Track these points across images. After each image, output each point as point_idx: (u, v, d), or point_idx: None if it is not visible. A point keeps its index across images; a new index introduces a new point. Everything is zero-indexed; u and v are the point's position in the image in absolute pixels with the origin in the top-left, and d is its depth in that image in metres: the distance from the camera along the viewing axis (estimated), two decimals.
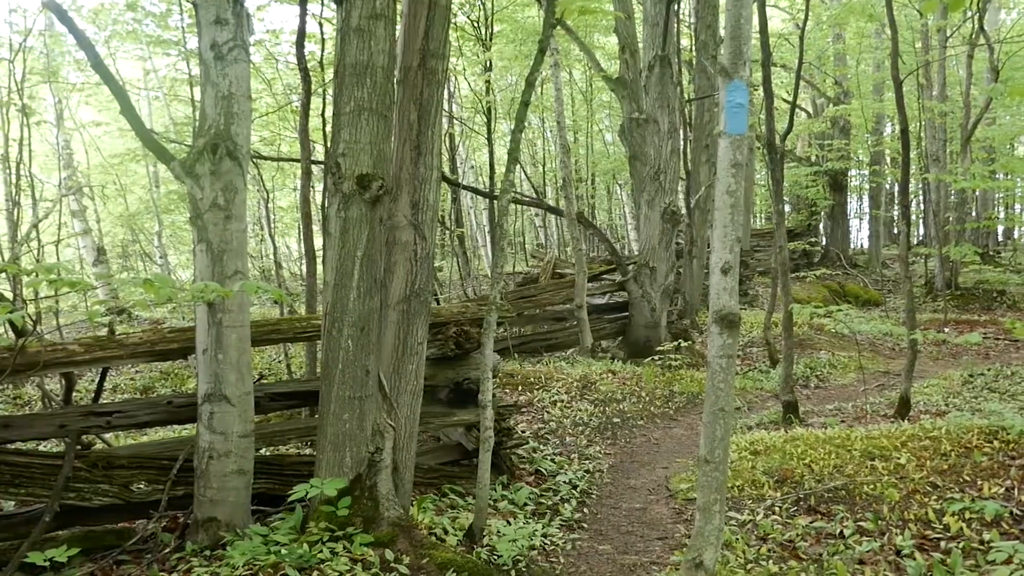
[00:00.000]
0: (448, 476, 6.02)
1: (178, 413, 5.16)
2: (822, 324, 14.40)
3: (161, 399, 5.27)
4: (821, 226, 31.57)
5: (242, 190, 4.70)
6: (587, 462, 6.97)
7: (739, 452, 6.73)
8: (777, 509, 5.56)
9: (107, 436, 6.65)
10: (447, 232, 20.14)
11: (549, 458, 6.91)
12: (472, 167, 23.73)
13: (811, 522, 5.35)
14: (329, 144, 4.65)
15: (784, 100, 27.51)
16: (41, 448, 6.71)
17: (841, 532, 5.08)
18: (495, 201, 14.72)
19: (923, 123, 19.84)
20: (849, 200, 30.22)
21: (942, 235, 19.13)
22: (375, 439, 4.64)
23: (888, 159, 29.71)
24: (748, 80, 3.43)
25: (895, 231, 35.60)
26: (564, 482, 6.35)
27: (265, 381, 6.15)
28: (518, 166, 13.11)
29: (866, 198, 32.97)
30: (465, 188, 14.73)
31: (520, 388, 9.00)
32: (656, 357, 10.37)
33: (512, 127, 19.22)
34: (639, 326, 12.03)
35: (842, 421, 8.21)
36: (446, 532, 4.92)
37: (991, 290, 18.92)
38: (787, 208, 36.89)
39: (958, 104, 19.25)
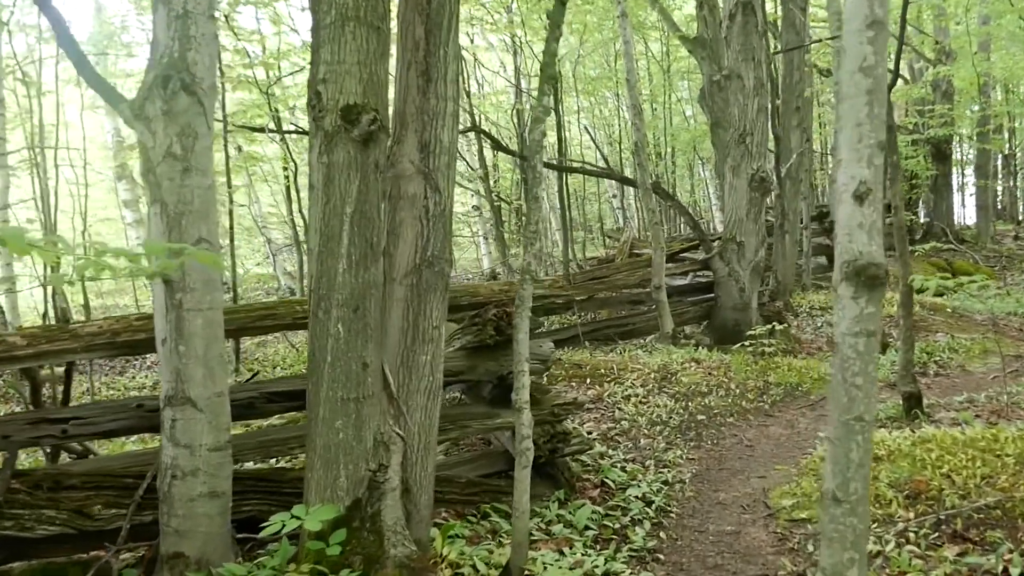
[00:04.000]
0: (492, 492, 4.90)
1: (150, 419, 4.18)
2: (936, 303, 12.79)
3: (129, 402, 4.29)
4: (921, 200, 29.40)
5: (205, 135, 3.65)
6: (665, 470, 5.76)
7: None
8: (912, 535, 4.30)
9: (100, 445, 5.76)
10: (519, 215, 19.08)
11: (619, 466, 5.72)
12: (544, 149, 22.57)
13: (960, 554, 4.08)
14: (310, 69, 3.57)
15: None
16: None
17: (1005, 570, 3.80)
18: (562, 178, 13.54)
19: None
20: (953, 171, 27.96)
21: None
22: (378, 453, 3.55)
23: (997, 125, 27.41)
24: None
25: (1000, 206, 33.06)
26: (636, 497, 5.16)
27: (261, 378, 5.13)
28: (590, 136, 11.89)
29: (969, 170, 30.63)
30: (516, 155, 13.54)
31: (588, 381, 7.82)
32: (746, 343, 9.04)
33: (580, 99, 17.84)
34: (726, 308, 10.71)
35: (977, 416, 6.81)
36: (476, 571, 3.79)
37: None
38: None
39: None
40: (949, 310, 12.34)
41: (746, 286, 10.57)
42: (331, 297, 3.46)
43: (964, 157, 28.11)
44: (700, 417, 7.06)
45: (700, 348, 10.04)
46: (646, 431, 6.62)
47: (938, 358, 9.79)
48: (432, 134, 3.69)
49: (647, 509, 5.01)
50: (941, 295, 16.38)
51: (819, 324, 12.08)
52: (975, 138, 25.21)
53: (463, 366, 4.94)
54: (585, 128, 11.57)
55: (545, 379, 5.77)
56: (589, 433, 6.40)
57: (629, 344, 10.41)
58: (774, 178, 11.48)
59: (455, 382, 5.33)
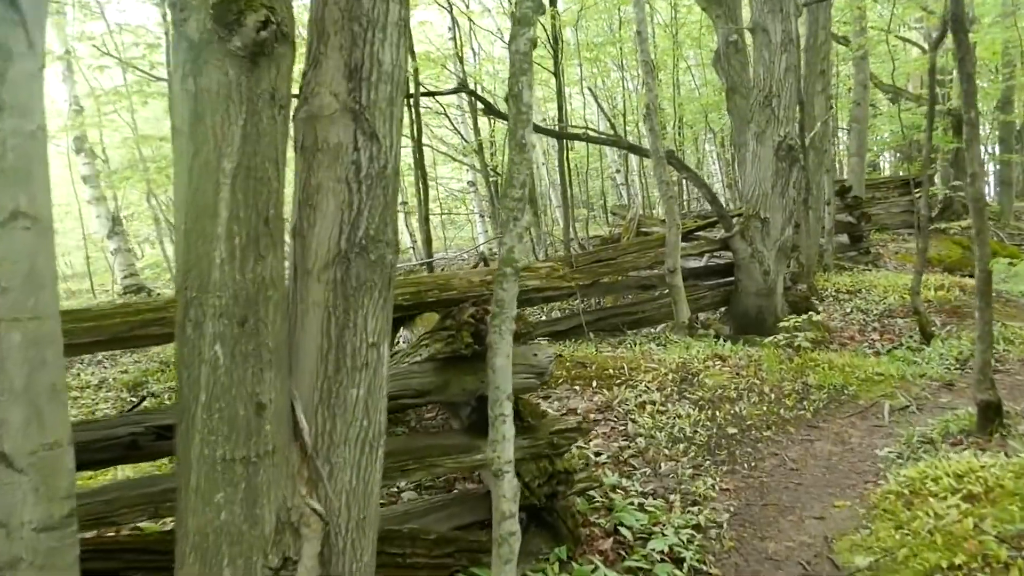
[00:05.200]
0: (471, 550, 3.66)
1: None
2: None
3: None
4: (938, 176, 28.04)
5: (25, 56, 2.37)
6: (695, 508, 4.53)
7: (943, 492, 4.22)
8: None
9: None
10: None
11: (635, 503, 4.49)
12: (543, 120, 21.17)
13: None
14: None
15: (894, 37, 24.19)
16: None
17: None
18: (563, 145, 12.26)
19: None
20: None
21: None
22: (283, 540, 2.31)
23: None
24: None
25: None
26: (660, 552, 3.93)
27: (151, 405, 3.90)
28: (594, 100, 10.62)
29: (989, 143, 29.25)
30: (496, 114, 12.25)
31: (595, 383, 6.59)
32: (778, 336, 7.79)
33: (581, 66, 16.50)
34: (748, 294, 9.45)
35: None
36: None
37: None
38: (897, 156, 33.26)
39: None
40: (992, 294, 11.07)
41: (771, 268, 9.32)
42: (204, 303, 2.22)
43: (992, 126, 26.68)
44: (731, 430, 5.82)
45: (720, 339, 8.81)
46: (667, 450, 5.39)
47: (994, 351, 8.55)
48: (366, 52, 2.42)
49: (676, 572, 3.78)
50: (971, 276, 15.19)
51: (848, 310, 10.84)
52: (997, 110, 23.88)
53: (432, 383, 3.70)
54: (589, 90, 10.32)
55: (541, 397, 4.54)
56: (597, 455, 5.18)
57: (639, 335, 9.17)
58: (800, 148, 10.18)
59: (420, 404, 4.10)
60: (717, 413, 6.06)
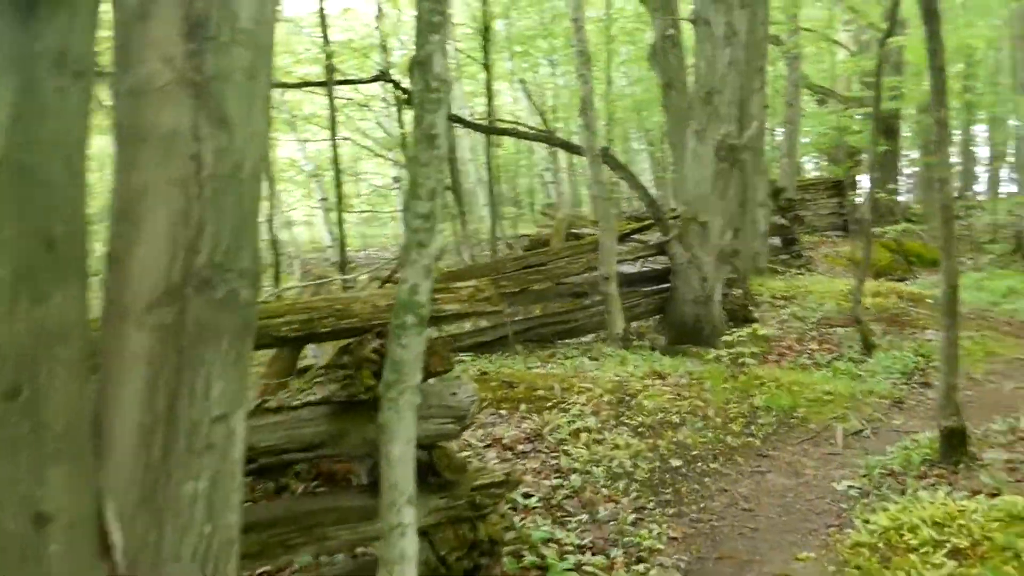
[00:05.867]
0: None
1: None
2: (913, 293, 11.27)
3: None
4: (866, 178, 28.19)
5: None
6: (639, 566, 3.88)
7: (923, 545, 3.68)
8: None
9: None
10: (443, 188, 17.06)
11: (572, 560, 3.84)
12: (471, 115, 20.46)
13: None
14: None
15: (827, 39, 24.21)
16: None
17: None
18: (491, 141, 11.59)
19: (1014, 43, 16.45)
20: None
21: None
22: None
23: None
24: None
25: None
26: None
27: None
28: (525, 94, 9.98)
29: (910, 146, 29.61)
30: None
31: (524, 406, 5.93)
32: (720, 351, 7.24)
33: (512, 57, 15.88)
34: (685, 301, 8.92)
35: None
36: None
37: None
38: (818, 160, 33.49)
39: None
40: (930, 301, 10.80)
41: (709, 275, 8.81)
42: None
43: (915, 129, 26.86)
44: (675, 463, 5.22)
45: (656, 351, 8.26)
46: (605, 489, 4.76)
47: (937, 362, 8.16)
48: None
49: None
50: (903, 280, 15.04)
51: (784, 317, 10.42)
52: (924, 112, 24.04)
53: (325, 433, 2.99)
54: (520, 81, 9.67)
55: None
56: (527, 497, 4.51)
57: (570, 346, 8.56)
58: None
59: (311, 459, 3.39)
60: (659, 442, 5.46)
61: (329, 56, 11.39)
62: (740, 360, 6.90)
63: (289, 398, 3.42)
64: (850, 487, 4.85)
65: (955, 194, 27.33)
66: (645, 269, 10.40)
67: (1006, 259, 16.11)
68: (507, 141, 24.52)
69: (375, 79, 9.02)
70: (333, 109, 12.11)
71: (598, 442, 5.40)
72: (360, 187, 23.89)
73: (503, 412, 5.92)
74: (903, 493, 4.55)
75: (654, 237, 9.32)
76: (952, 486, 4.58)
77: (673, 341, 8.97)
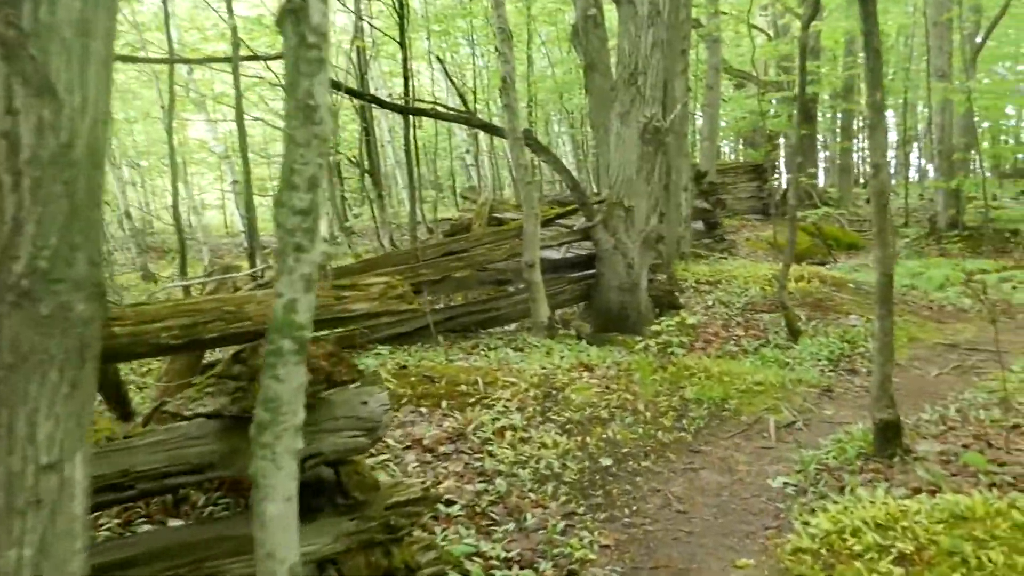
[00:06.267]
0: None
1: None
2: (835, 277, 11.27)
3: None
4: (783, 161, 28.59)
5: None
6: None
7: (868, 550, 3.48)
8: None
9: None
10: (360, 170, 16.56)
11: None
12: (389, 96, 19.87)
13: None
14: None
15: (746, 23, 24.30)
16: None
17: None
18: (410, 122, 11.17)
19: (927, 30, 16.66)
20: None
21: (947, 165, 16.17)
22: None
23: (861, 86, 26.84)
24: None
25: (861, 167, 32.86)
26: None
27: None
28: (443, 74, 9.58)
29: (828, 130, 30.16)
30: (364, 97, 11.03)
31: (445, 403, 5.60)
32: (648, 341, 7.01)
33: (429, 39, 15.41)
34: (611, 288, 8.69)
35: (964, 447, 5.05)
36: None
37: (1002, 230, 16.02)
38: (735, 143, 33.83)
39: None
40: (852, 286, 10.81)
41: (635, 261, 8.59)
42: None
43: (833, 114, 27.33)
44: (605, 461, 4.96)
45: (582, 340, 8.01)
46: (532, 493, 4.46)
47: (862, 349, 8.13)
48: None
49: None
50: (823, 264, 15.15)
51: (710, 303, 10.30)
52: (839, 97, 24.44)
53: (214, 453, 2.61)
54: (437, 59, 9.24)
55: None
56: (449, 504, 4.19)
57: (494, 336, 8.25)
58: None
59: (200, 482, 3.00)
60: (588, 439, 5.19)
61: (234, 31, 10.76)
62: (669, 350, 6.69)
63: (182, 405, 3.02)
64: (786, 484, 4.66)
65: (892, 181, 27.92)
66: (570, 255, 10.14)
67: (920, 242, 16.38)
68: (427, 123, 24.02)
69: (278, 56, 8.48)
70: (239, 88, 11.48)
71: (524, 441, 5.10)
72: (274, 170, 23.12)
73: (423, 409, 5.58)
74: (841, 491, 4.37)
75: (579, 222, 9.04)
76: (890, 482, 4.42)
77: (599, 329, 8.73)
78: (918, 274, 11.02)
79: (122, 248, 15.60)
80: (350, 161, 17.56)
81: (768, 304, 9.87)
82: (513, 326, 9.05)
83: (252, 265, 8.36)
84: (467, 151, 22.78)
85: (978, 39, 16.25)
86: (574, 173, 24.03)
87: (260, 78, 16.87)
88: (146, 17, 16.64)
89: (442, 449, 4.94)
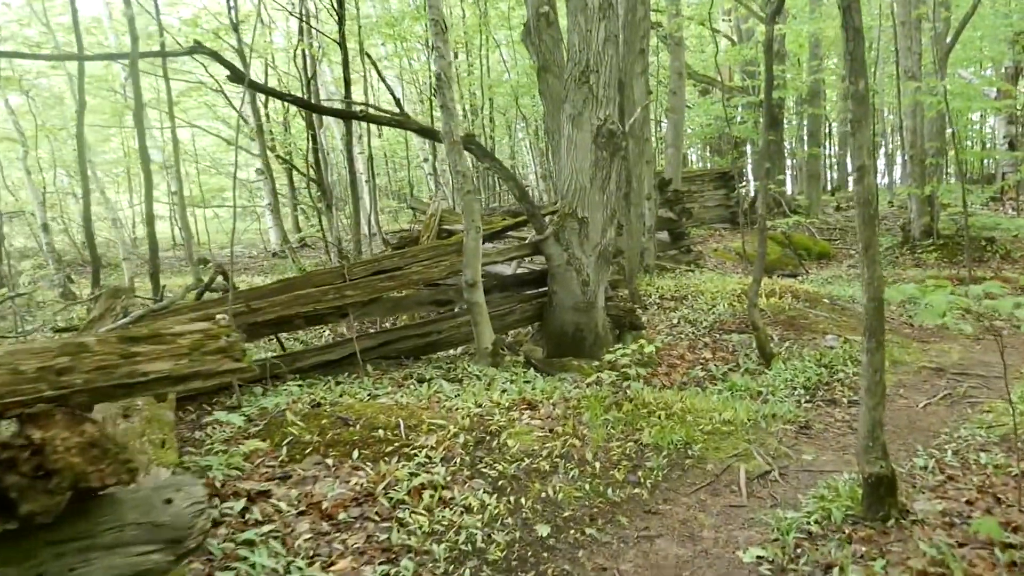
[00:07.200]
0: None
1: None
2: (808, 291, 10.50)
3: None
4: (750, 168, 27.95)
5: None
6: None
7: None
8: None
9: None
10: (305, 178, 15.63)
11: None
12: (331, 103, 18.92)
13: None
14: None
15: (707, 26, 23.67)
16: None
17: None
18: (349, 127, 10.26)
19: (896, 30, 16.04)
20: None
21: (919, 170, 15.51)
22: None
23: (828, 91, 26.31)
24: None
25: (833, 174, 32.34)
26: None
27: None
28: (378, 73, 8.73)
29: (794, 136, 29.57)
30: (310, 107, 10.11)
31: (357, 452, 4.71)
32: (602, 372, 6.13)
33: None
34: (564, 308, 7.84)
35: (969, 504, 4.25)
36: None
37: (978, 238, 15.38)
38: (701, 150, 33.20)
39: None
40: (827, 301, 10.05)
41: (591, 278, 7.74)
42: None
43: (800, 119, 26.74)
44: (541, 530, 4.08)
45: (530, 369, 7.16)
46: None
47: (840, 375, 7.34)
48: None
49: None
50: (795, 276, 14.42)
51: (675, 321, 9.49)
52: (805, 102, 23.85)
53: None
54: (367, 56, 8.37)
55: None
56: None
57: (432, 364, 7.37)
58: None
59: None
60: (523, 499, 4.32)
61: (161, 27, 9.84)
62: (624, 383, 5.83)
63: None
64: (760, 559, 3.80)
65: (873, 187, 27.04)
66: (522, 271, 9.31)
67: (894, 251, 15.72)
68: (387, 131, 23.09)
69: (190, 51, 7.56)
70: (170, 91, 10.55)
71: (445, 503, 4.22)
72: (221, 180, 22.08)
73: (330, 461, 4.69)
74: (827, 570, 3.53)
75: (531, 235, 8.20)
76: (886, 558, 3.60)
77: (552, 353, 7.90)
78: (914, 300, 10.24)
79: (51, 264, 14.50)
80: (298, 171, 16.62)
81: (738, 322, 9.08)
82: (460, 350, 8.20)
83: (155, 287, 7.38)
84: (425, 159, 21.90)
85: (947, 40, 15.61)
86: (536, 181, 23.21)
87: (199, 83, 15.92)
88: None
89: (343, 516, 4.05)
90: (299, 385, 6.25)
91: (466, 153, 7.50)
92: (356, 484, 4.37)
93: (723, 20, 28.48)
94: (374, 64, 8.47)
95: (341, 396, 5.85)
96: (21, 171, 14.13)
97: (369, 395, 5.86)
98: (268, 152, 15.15)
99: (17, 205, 16.11)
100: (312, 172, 15.00)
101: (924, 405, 6.48)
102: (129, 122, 18.52)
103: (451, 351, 8.11)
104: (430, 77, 20.81)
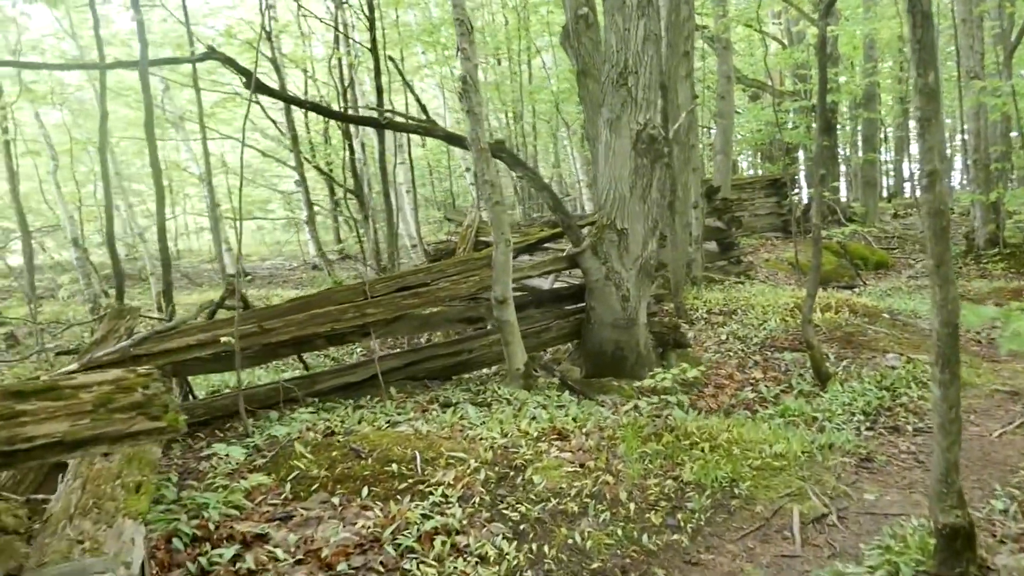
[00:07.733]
0: None
1: None
2: (867, 305, 9.86)
3: None
4: (802, 175, 27.13)
5: None
6: None
7: None
8: None
9: None
10: (344, 191, 15.35)
11: None
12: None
13: None
14: None
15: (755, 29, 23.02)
16: None
17: None
18: (381, 136, 9.91)
19: (956, 29, 15.26)
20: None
21: (984, 175, 14.71)
22: None
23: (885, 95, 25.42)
24: None
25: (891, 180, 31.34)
26: None
27: None
28: (402, 76, 8.43)
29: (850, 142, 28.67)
30: (341, 116, 9.79)
31: (366, 489, 4.28)
32: (641, 400, 5.63)
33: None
34: (603, 325, 7.35)
35: None
36: None
37: None
38: (752, 156, 32.38)
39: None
40: (887, 316, 9.40)
41: (631, 293, 7.25)
42: None
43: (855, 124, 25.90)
44: None
45: (568, 389, 6.68)
46: None
47: (905, 398, 6.73)
48: None
49: None
50: (851, 288, 13.71)
51: (724, 337, 8.95)
52: (860, 106, 23.02)
53: None
54: (389, 58, 8.05)
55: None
56: None
57: (461, 386, 6.93)
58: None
59: None
60: (546, 548, 3.84)
61: (191, 42, 9.60)
62: (666, 412, 5.32)
63: None
64: None
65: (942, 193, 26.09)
66: (560, 285, 8.84)
67: (957, 261, 14.92)
68: (430, 141, 22.81)
69: (201, 58, 7.25)
70: (200, 102, 10.31)
71: (458, 551, 3.77)
72: (265, 192, 21.97)
73: (337, 499, 4.27)
74: None
75: (569, 247, 7.73)
76: None
77: (591, 373, 7.42)
78: (998, 324, 9.58)
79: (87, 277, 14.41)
80: (335, 182, 16.37)
81: (791, 339, 8.50)
82: (493, 369, 7.76)
83: (166, 304, 7.04)
84: (467, 169, 21.55)
85: (1012, 38, 14.79)
86: (581, 192, 22.70)
87: (235, 94, 15.75)
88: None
89: (343, 566, 3.62)
90: (315, 411, 5.86)
91: (498, 162, 7.07)
92: (362, 527, 3.94)
93: (773, 23, 27.77)
94: (398, 68, 8.08)
95: (359, 423, 5.44)
96: (52, 185, 14.04)
97: (388, 422, 5.43)
98: (305, 162, 14.86)
99: (55, 219, 16.09)
100: (350, 183, 14.71)
101: (999, 434, 5.86)
102: (169, 134, 18.49)
103: (483, 371, 7.68)
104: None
